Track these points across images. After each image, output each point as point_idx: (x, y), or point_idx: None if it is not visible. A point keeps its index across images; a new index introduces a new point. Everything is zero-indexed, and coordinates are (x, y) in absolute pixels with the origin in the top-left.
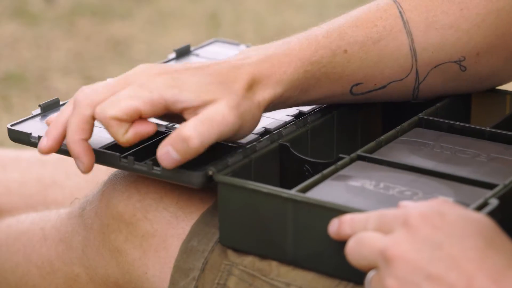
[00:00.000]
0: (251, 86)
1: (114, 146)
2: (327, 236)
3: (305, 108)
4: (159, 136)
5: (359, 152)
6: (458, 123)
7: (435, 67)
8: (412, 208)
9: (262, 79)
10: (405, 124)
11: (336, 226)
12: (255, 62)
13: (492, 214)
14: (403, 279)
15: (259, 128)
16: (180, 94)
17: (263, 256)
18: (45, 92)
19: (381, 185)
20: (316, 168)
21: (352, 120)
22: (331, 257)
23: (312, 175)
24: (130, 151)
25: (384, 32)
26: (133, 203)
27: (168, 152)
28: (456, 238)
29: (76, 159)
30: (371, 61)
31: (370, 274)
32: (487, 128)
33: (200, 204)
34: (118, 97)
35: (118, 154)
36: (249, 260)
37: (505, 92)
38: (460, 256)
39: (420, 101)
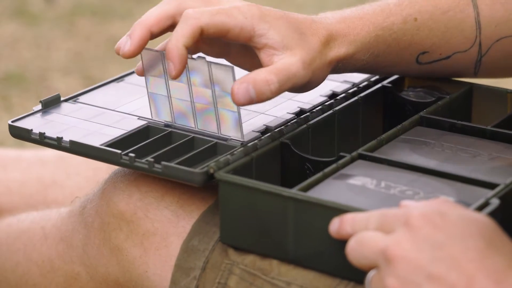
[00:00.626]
0: (328, 42)
1: (115, 144)
2: (328, 235)
3: (307, 106)
4: (161, 133)
5: (360, 150)
6: (459, 122)
7: (497, 41)
8: (413, 208)
9: (338, 37)
10: (406, 123)
11: (337, 225)
12: (333, 21)
13: (493, 214)
14: (404, 278)
15: (260, 126)
16: (268, 31)
17: (263, 254)
18: (45, 92)
19: (382, 184)
20: (317, 166)
21: (354, 118)
22: (331, 256)
23: (313, 173)
24: (131, 149)
25: (452, 3)
26: (134, 202)
27: (247, 88)
28: (457, 238)
29: (172, 63)
30: (439, 30)
31: (371, 274)
32: (488, 127)
33: (201, 202)
34: (218, 9)
35: (119, 151)
36: (250, 259)
37: (506, 91)
38: (461, 256)
39: (482, 78)
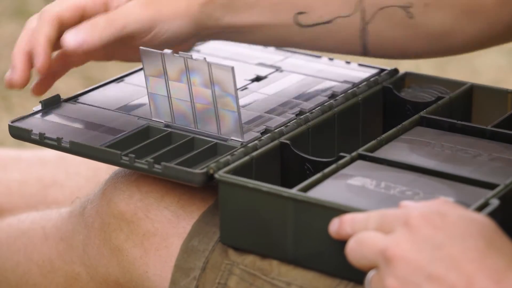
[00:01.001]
0: None
1: (115, 144)
2: (328, 235)
3: (307, 106)
4: (161, 133)
5: (360, 151)
6: (459, 122)
7: (381, 9)
8: (413, 208)
9: None
10: (406, 123)
11: (336, 226)
12: None
13: (493, 214)
14: (404, 279)
15: (260, 126)
16: None
17: (263, 255)
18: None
19: (382, 184)
20: (317, 166)
21: (354, 118)
22: (331, 257)
23: (313, 174)
24: (130, 149)
25: None
26: (134, 202)
27: (75, 33)
28: (456, 238)
29: (37, 56)
30: None
31: (370, 274)
32: (488, 127)
33: (201, 203)
34: None
35: (119, 152)
36: (250, 259)
37: (507, 91)
38: (460, 257)
39: (373, 54)
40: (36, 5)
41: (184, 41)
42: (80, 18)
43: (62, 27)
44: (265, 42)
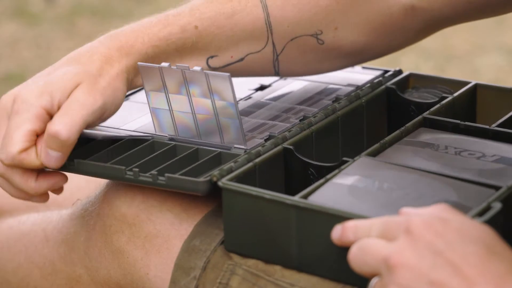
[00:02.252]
0: (107, 61)
1: (121, 161)
2: (331, 241)
3: (310, 111)
4: (165, 146)
5: (363, 155)
6: (462, 122)
7: (291, 40)
8: (414, 215)
9: (113, 53)
10: (409, 125)
11: (339, 232)
12: (106, 41)
13: (495, 217)
14: (406, 286)
15: (264, 132)
16: (52, 99)
17: (267, 261)
18: None
19: (385, 186)
20: (320, 171)
21: (357, 120)
22: (334, 262)
23: (316, 178)
24: (135, 164)
25: (238, 7)
26: (137, 205)
27: (47, 154)
28: (458, 244)
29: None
30: (224, 35)
31: (373, 281)
32: (491, 127)
33: (203, 205)
34: (8, 132)
35: (123, 167)
36: (253, 261)
37: (511, 90)
38: (462, 262)
39: (285, 76)
40: (36, 5)
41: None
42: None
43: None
44: None
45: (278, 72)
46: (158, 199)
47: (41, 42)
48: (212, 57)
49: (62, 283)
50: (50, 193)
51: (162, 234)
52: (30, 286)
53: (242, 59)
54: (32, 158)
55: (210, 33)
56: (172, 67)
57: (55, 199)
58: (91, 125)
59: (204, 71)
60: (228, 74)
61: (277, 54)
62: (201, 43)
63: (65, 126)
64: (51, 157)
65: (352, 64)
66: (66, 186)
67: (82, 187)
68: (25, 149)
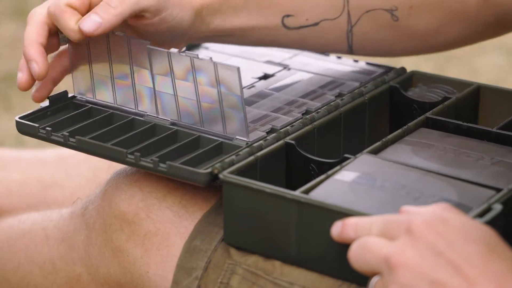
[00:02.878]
0: None
1: (121, 142)
2: (331, 238)
3: (313, 106)
4: (167, 131)
5: (364, 152)
6: (464, 123)
7: (366, 12)
8: (415, 214)
9: None
10: (411, 124)
11: (339, 229)
12: None
13: (496, 219)
14: (407, 286)
15: (266, 126)
16: None
17: (266, 255)
18: None
19: (386, 184)
20: (322, 167)
21: (360, 118)
22: (334, 259)
23: (317, 174)
24: (136, 147)
25: None
26: (136, 202)
27: (91, 17)
28: (459, 244)
29: (34, 62)
30: None
31: (374, 280)
32: (494, 129)
33: (203, 203)
34: None
35: (124, 150)
36: (252, 259)
37: None
38: (463, 262)
39: (358, 54)
40: (36, 5)
41: (180, 37)
42: (89, 6)
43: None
44: (253, 44)
45: (352, 46)
46: (158, 197)
47: None
48: (288, 16)
49: (62, 282)
50: (50, 193)
51: (161, 232)
52: (30, 285)
53: (316, 24)
54: (71, 16)
55: None
56: (181, 53)
57: (56, 199)
58: (145, 15)
59: (213, 60)
60: (237, 66)
61: (352, 25)
62: None
63: (117, 1)
64: (91, 19)
65: (422, 49)
66: (66, 185)
67: (82, 186)
68: (73, 7)
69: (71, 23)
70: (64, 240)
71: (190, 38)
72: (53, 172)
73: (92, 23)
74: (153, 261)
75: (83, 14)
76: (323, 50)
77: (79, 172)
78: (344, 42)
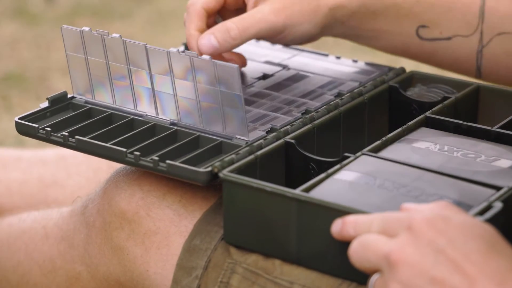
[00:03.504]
0: None
1: (121, 142)
2: (331, 236)
3: (312, 105)
4: (166, 131)
5: (364, 151)
6: (464, 123)
7: (499, 34)
8: (416, 212)
9: None
10: (411, 123)
11: (339, 227)
12: None
13: (496, 217)
14: (407, 283)
15: (266, 125)
16: None
17: (266, 254)
18: (45, 92)
19: (386, 183)
20: (322, 166)
21: (359, 117)
22: (334, 257)
23: (317, 173)
24: (136, 147)
25: None
26: (136, 201)
27: (208, 38)
28: (459, 242)
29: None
30: (440, 8)
31: (374, 278)
32: (494, 129)
33: (203, 202)
34: None
35: (124, 149)
36: (252, 258)
37: None
38: (463, 260)
39: (489, 79)
40: (36, 5)
41: (309, 41)
42: (221, 7)
43: (208, 17)
44: (382, 48)
45: (480, 67)
46: (158, 196)
47: (41, 42)
48: (423, 26)
49: (62, 280)
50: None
51: (161, 230)
52: (30, 284)
53: (449, 38)
54: (197, 22)
55: (428, 2)
56: (180, 53)
57: (56, 198)
58: (267, 38)
59: (213, 60)
60: (237, 65)
61: (482, 45)
62: (417, 8)
63: (236, 29)
64: (209, 42)
65: None
66: (67, 185)
67: (82, 186)
68: (207, 9)
69: (192, 30)
70: (64, 239)
71: (321, 36)
72: (54, 172)
73: (209, 45)
74: (153, 259)
75: (213, 15)
76: (451, 67)
77: (79, 172)
78: (473, 62)
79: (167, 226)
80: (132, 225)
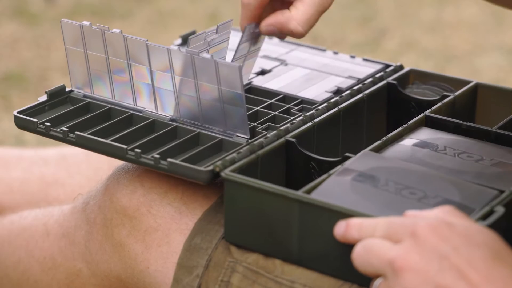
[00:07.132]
0: None
1: (121, 138)
2: (333, 238)
3: (312, 103)
4: (166, 127)
5: (365, 151)
6: (464, 122)
7: None
8: (420, 218)
9: None
10: (411, 123)
11: (343, 229)
12: None
13: (498, 221)
14: None
15: (265, 124)
16: None
17: (267, 254)
18: None
19: (388, 184)
20: (322, 166)
21: (358, 115)
22: (336, 259)
23: (318, 173)
24: (136, 144)
25: None
26: (137, 198)
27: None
28: (463, 249)
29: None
30: None
31: (377, 282)
32: (493, 129)
33: (204, 199)
34: None
35: (125, 146)
36: (253, 258)
37: (511, 91)
38: (467, 267)
39: None
40: (36, 5)
41: None
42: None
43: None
44: None
45: None
46: (159, 193)
47: (41, 42)
48: None
49: (62, 277)
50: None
51: (162, 228)
52: (30, 281)
53: None
54: (247, 13)
55: None
56: (181, 50)
57: (57, 197)
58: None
59: (214, 59)
60: (238, 65)
61: None
62: None
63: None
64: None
65: None
66: (67, 184)
67: (83, 185)
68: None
69: (245, 19)
70: (64, 236)
71: None
72: (55, 171)
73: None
74: (153, 257)
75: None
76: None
77: (80, 171)
78: None
79: (168, 223)
80: (133, 222)
